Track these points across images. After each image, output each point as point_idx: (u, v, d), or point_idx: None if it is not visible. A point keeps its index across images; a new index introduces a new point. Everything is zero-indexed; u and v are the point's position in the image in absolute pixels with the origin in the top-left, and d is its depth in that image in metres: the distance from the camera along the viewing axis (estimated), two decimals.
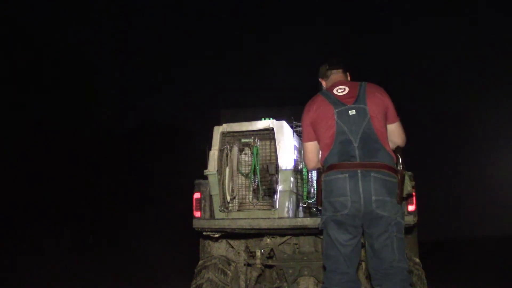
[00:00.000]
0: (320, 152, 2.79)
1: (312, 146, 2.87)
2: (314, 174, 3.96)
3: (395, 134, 2.82)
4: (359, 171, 2.57)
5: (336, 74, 2.99)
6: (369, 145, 2.62)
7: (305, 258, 4.03)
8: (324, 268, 2.75)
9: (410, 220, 3.49)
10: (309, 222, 3.52)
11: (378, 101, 2.73)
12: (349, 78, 3.03)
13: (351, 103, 2.71)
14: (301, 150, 3.88)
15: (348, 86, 2.81)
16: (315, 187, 3.93)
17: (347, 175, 2.58)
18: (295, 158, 3.74)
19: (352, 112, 2.68)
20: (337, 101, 2.74)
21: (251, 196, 3.83)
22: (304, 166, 3.85)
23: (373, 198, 2.54)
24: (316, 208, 3.87)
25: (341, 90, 2.79)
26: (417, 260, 4.13)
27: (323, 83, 3.06)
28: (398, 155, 2.71)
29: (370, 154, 2.60)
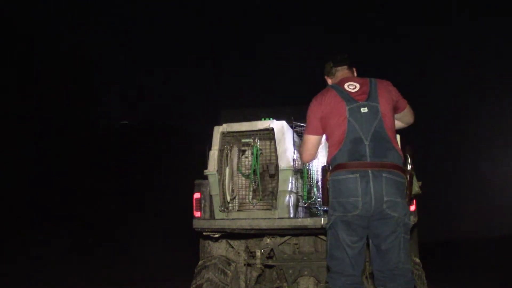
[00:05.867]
0: (328, 149, 2.76)
1: (315, 140, 2.84)
2: (313, 174, 3.95)
3: (407, 116, 2.86)
4: (370, 171, 2.53)
5: (342, 71, 2.95)
6: (380, 144, 2.59)
7: (305, 258, 4.03)
8: (328, 268, 2.72)
9: (410, 220, 3.49)
10: (309, 222, 3.52)
11: (388, 98, 2.71)
12: (355, 74, 2.99)
13: (363, 100, 2.66)
14: None
15: (358, 83, 2.77)
16: (315, 187, 3.93)
17: (357, 175, 2.54)
18: (295, 158, 3.73)
19: (364, 110, 2.63)
20: (349, 97, 2.69)
21: (251, 196, 3.83)
22: (304, 166, 3.84)
23: (385, 199, 2.51)
24: (317, 208, 3.87)
25: (352, 87, 2.74)
26: (417, 260, 4.13)
27: (329, 81, 3.02)
28: (407, 154, 2.69)
29: (381, 153, 2.57)
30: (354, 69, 3.01)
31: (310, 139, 2.86)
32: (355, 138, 2.61)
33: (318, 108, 2.78)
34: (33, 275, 8.89)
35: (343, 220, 2.59)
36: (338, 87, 2.78)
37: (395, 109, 2.78)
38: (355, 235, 2.59)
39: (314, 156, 2.92)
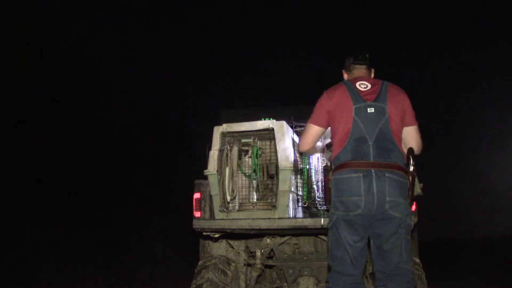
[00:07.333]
0: (333, 148, 2.76)
1: (317, 130, 2.83)
2: (313, 174, 3.96)
3: (410, 137, 2.78)
4: (373, 170, 2.55)
5: (359, 70, 2.93)
6: (384, 145, 2.60)
7: (305, 258, 4.03)
8: (329, 268, 2.73)
9: (412, 221, 3.48)
10: (309, 222, 3.52)
11: (397, 103, 2.71)
12: (372, 75, 2.98)
13: (371, 100, 2.67)
14: None
15: (370, 83, 2.77)
16: (315, 187, 3.93)
17: (360, 174, 2.55)
18: (295, 158, 3.74)
19: (370, 110, 2.64)
20: (358, 96, 2.69)
21: (251, 196, 3.84)
22: (304, 166, 3.85)
23: (387, 198, 2.52)
24: (317, 208, 3.87)
25: (363, 86, 2.75)
26: (417, 260, 4.13)
27: (345, 76, 3.02)
28: (410, 156, 2.69)
29: (385, 154, 2.58)
30: (373, 70, 3.01)
31: (312, 128, 2.84)
32: (359, 138, 2.62)
33: (326, 101, 2.77)
34: (34, 275, 8.89)
35: (345, 219, 2.59)
36: (350, 84, 2.79)
37: (404, 117, 2.75)
38: (356, 234, 2.59)
39: (310, 147, 2.90)
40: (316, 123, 2.81)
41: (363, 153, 2.59)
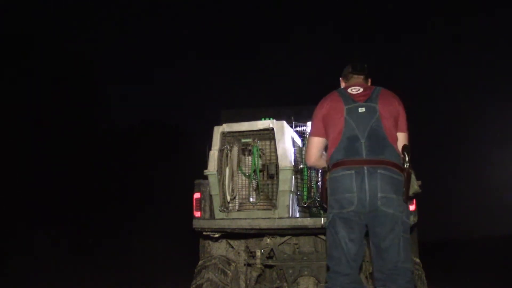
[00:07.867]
0: (328, 149, 2.79)
1: (317, 141, 2.86)
2: (313, 174, 3.96)
3: (399, 144, 2.78)
4: (365, 168, 2.57)
5: (357, 79, 2.97)
6: (376, 142, 2.62)
7: (305, 258, 4.04)
8: (328, 268, 2.74)
9: (410, 220, 3.49)
10: (309, 222, 3.52)
11: (390, 105, 2.73)
12: (369, 84, 3.01)
13: (362, 101, 2.72)
14: (301, 150, 3.89)
15: (363, 87, 2.82)
16: (315, 187, 3.93)
17: (353, 171, 2.57)
18: (295, 158, 3.74)
19: (361, 110, 2.69)
20: (349, 99, 2.75)
21: (251, 196, 3.84)
22: (304, 165, 3.85)
23: (379, 195, 2.53)
24: (317, 207, 3.88)
25: (355, 90, 2.80)
26: (417, 260, 4.14)
27: (342, 84, 3.06)
28: (405, 153, 2.70)
29: (377, 151, 2.60)
30: (369, 80, 3.04)
31: (312, 140, 2.89)
32: (351, 136, 2.65)
33: (319, 111, 2.84)
34: (34, 275, 8.89)
35: (340, 217, 2.61)
36: (342, 90, 2.86)
37: (396, 120, 2.76)
38: (352, 232, 2.61)
39: (315, 158, 2.90)
40: (315, 134, 2.86)
41: (355, 151, 2.61)
